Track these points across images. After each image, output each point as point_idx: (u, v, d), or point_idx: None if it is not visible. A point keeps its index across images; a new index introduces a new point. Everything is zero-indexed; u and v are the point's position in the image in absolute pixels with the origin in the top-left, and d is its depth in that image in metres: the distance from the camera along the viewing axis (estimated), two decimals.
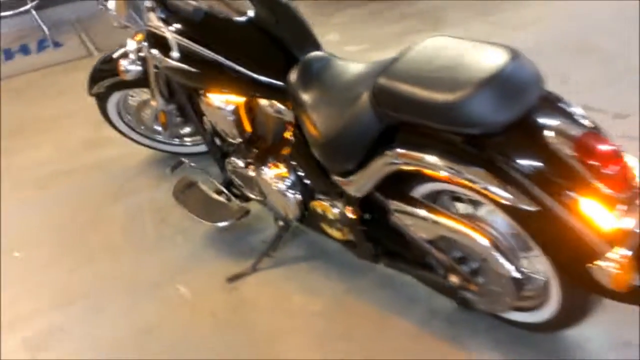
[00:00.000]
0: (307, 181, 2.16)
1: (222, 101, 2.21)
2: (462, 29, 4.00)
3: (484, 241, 1.69)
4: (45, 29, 4.76)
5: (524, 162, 1.48)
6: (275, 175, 2.20)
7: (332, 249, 2.37)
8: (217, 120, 2.28)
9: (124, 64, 2.36)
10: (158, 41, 2.19)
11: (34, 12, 4.83)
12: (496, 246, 1.69)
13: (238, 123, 2.23)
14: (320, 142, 1.88)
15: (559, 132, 1.47)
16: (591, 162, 1.42)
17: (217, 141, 2.49)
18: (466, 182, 1.59)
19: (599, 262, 1.37)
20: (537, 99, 1.54)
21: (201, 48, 2.09)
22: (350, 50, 3.94)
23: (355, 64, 2.00)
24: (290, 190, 2.17)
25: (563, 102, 1.58)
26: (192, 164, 2.67)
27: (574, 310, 1.76)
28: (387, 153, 1.72)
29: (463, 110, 1.49)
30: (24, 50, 4.77)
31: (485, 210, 1.82)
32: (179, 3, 2.12)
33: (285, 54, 2.09)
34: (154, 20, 2.15)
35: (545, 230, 1.53)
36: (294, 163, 2.16)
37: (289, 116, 2.10)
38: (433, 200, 1.89)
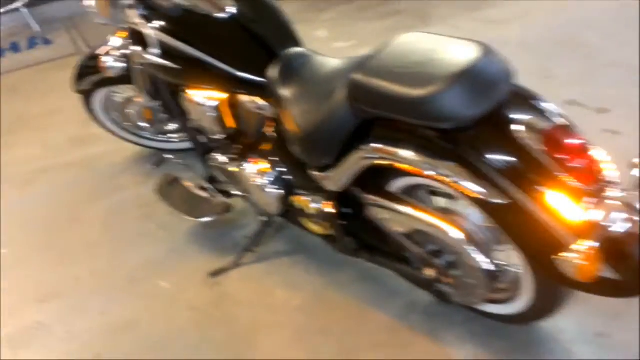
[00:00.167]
0: (288, 177, 2.17)
1: (203, 98, 2.22)
2: (450, 25, 4.02)
3: (457, 234, 1.71)
4: (36, 26, 4.78)
5: (493, 156, 1.50)
6: (256, 171, 2.21)
7: (314, 243, 2.38)
8: (199, 116, 2.30)
9: (106, 60, 2.37)
10: (139, 38, 2.20)
11: (24, 9, 4.83)
12: (469, 239, 1.71)
13: (219, 119, 2.25)
14: (298, 137, 1.90)
15: (528, 126, 1.49)
16: (559, 155, 1.44)
17: (201, 137, 2.51)
18: (438, 177, 1.60)
19: (564, 254, 1.39)
20: (508, 94, 1.56)
21: (181, 45, 2.11)
22: (339, 46, 3.96)
23: (334, 60, 2.01)
24: (270, 186, 2.19)
25: (534, 97, 1.59)
26: (177, 160, 2.68)
27: (546, 302, 1.78)
28: (363, 148, 1.74)
29: (434, 105, 1.51)
30: (14, 47, 4.79)
31: (461, 204, 1.83)
32: (159, 0, 2.14)
33: (265, 50, 2.10)
34: (134, 17, 2.16)
35: (515, 223, 1.55)
36: (274, 159, 2.18)
37: (269, 112, 2.11)
38: (410, 194, 1.91)
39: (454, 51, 1.58)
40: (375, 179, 1.87)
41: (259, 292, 2.33)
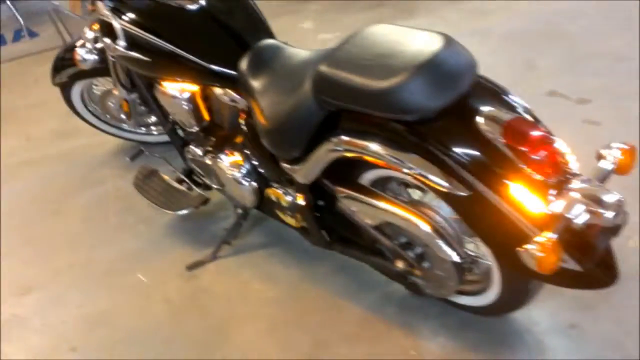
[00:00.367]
0: (261, 169, 2.16)
1: (176, 90, 2.21)
2: (436, 16, 4.00)
3: (425, 227, 1.70)
4: (21, 19, 4.75)
5: (456, 148, 1.49)
6: (230, 164, 2.21)
7: (291, 235, 2.36)
8: (173, 109, 2.29)
9: (80, 53, 2.36)
10: (110, 30, 2.19)
11: (8, 2, 4.81)
12: (438, 232, 1.71)
13: (194, 112, 2.24)
14: (267, 128, 1.89)
15: (489, 117, 1.48)
16: (520, 147, 1.43)
17: (178, 130, 2.50)
18: (404, 169, 1.59)
19: (526, 246, 1.38)
20: (471, 85, 1.55)
21: (151, 36, 2.09)
22: (324, 38, 3.94)
23: (305, 51, 2.00)
24: (245, 178, 2.19)
25: (497, 88, 1.58)
26: (153, 154, 2.68)
27: (514, 294, 1.78)
28: (330, 140, 1.73)
29: (396, 97, 1.50)
30: (0, 40, 4.77)
31: (432, 196, 1.83)
32: None
33: (237, 42, 2.09)
34: (102, 9, 2.14)
35: (479, 216, 1.55)
36: (247, 151, 2.17)
37: (242, 104, 2.10)
38: (383, 187, 1.90)
39: (417, 43, 1.57)
40: (347, 171, 1.86)
41: (234, 284, 2.32)
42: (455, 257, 1.70)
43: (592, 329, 1.93)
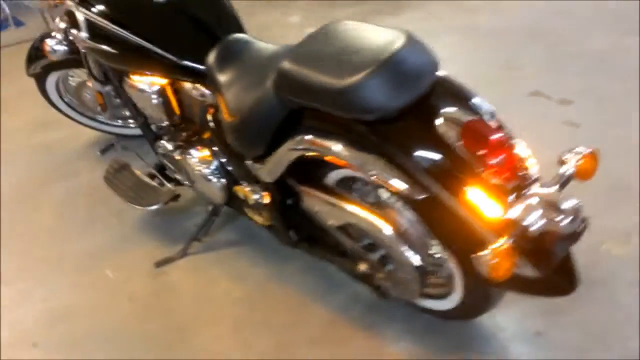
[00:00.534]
0: (229, 166, 2.13)
1: (145, 83, 2.17)
2: (423, 11, 3.95)
3: (388, 230, 1.67)
4: (7, 8, 4.70)
5: (414, 150, 1.45)
6: (199, 160, 2.17)
7: (262, 233, 2.32)
8: (142, 103, 2.25)
9: (49, 44, 2.32)
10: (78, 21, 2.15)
11: None
12: (400, 235, 1.67)
13: (163, 106, 2.20)
14: (230, 125, 1.85)
15: (448, 119, 1.44)
16: (478, 150, 1.39)
17: (150, 124, 2.46)
18: (363, 170, 1.56)
19: (479, 252, 1.34)
20: (432, 85, 1.51)
21: (118, 28, 2.05)
22: (310, 32, 3.88)
23: (273, 46, 1.96)
24: (214, 175, 2.15)
25: (461, 89, 1.54)
26: (125, 147, 2.64)
27: (477, 298, 1.75)
28: (292, 138, 1.69)
29: (355, 96, 1.46)
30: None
31: None
32: None
33: (206, 36, 2.05)
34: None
35: (438, 220, 1.52)
36: (215, 148, 2.13)
37: (211, 99, 2.06)
38: (349, 186, 1.86)
39: (378, 41, 1.53)
40: (312, 170, 1.83)
41: (202, 282, 2.29)
42: (417, 261, 1.67)
43: (557, 337, 1.89)
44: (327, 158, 1.65)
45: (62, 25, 2.31)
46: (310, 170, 1.83)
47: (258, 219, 2.13)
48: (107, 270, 2.38)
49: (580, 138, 2.62)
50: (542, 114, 2.82)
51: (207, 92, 2.06)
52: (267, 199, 1.97)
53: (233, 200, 2.20)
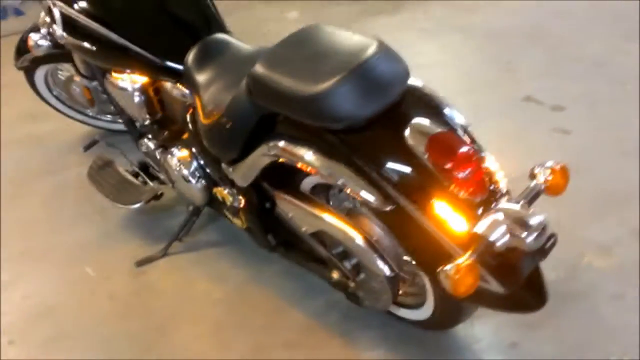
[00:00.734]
0: (207, 168, 2.11)
1: (125, 81, 2.16)
2: (421, 11, 3.91)
3: (359, 239, 1.64)
4: None
5: (380, 161, 1.43)
6: (179, 160, 2.15)
7: (243, 234, 2.31)
8: (122, 100, 2.24)
9: (33, 38, 2.31)
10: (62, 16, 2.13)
11: None
12: (370, 244, 1.64)
13: (144, 104, 2.19)
14: (204, 126, 1.83)
15: (415, 130, 1.41)
16: (445, 163, 1.36)
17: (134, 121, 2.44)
18: (332, 179, 1.54)
19: (443, 267, 1.32)
20: (403, 94, 1.48)
21: (97, 25, 2.04)
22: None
23: (252, 48, 1.94)
24: (193, 176, 2.13)
25: (433, 99, 1.51)
26: (109, 144, 2.62)
27: (448, 310, 1.72)
28: (264, 144, 1.68)
29: (322, 104, 1.44)
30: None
31: None
32: None
33: (187, 35, 2.03)
34: None
35: (404, 232, 1.49)
36: (194, 149, 2.11)
37: (191, 100, 2.04)
38: (326, 193, 1.84)
39: (349, 48, 1.50)
40: (288, 175, 1.80)
41: (181, 283, 2.28)
42: (388, 271, 1.65)
43: (533, 349, 1.87)
44: (299, 165, 1.63)
45: (47, 19, 2.29)
46: (286, 176, 1.81)
47: (237, 221, 2.12)
48: (87, 268, 2.37)
49: (569, 145, 2.59)
50: (533, 119, 2.78)
51: (187, 92, 2.04)
52: (242, 203, 1.96)
53: (213, 202, 2.18)
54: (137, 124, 2.40)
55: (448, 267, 1.31)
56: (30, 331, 2.16)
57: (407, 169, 1.41)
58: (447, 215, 1.38)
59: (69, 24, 2.09)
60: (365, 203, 1.51)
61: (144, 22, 2.06)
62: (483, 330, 1.93)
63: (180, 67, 2.00)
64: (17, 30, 4.38)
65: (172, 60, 2.02)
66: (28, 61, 2.71)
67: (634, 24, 3.39)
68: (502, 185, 1.42)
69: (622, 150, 2.53)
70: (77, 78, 2.58)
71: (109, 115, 2.98)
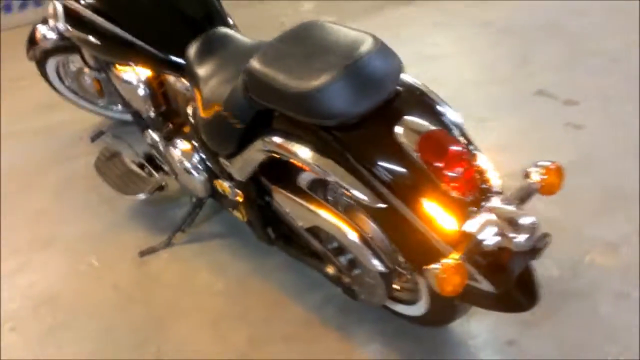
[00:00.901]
0: (207, 161, 2.11)
1: (129, 74, 2.17)
2: (434, 7, 3.85)
3: (353, 235, 1.64)
4: None
5: (372, 159, 1.42)
6: (182, 152, 2.16)
7: (246, 227, 2.33)
8: (126, 93, 2.25)
9: (41, 31, 2.32)
10: (67, 9, 2.14)
11: None
12: (364, 241, 1.63)
13: (147, 97, 2.20)
14: (202, 120, 1.84)
15: (407, 128, 1.40)
16: (436, 161, 1.35)
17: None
18: (324, 176, 1.53)
19: (431, 265, 1.31)
20: (396, 91, 1.47)
21: (100, 19, 2.04)
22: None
23: (252, 42, 1.94)
24: (195, 169, 2.14)
25: (428, 96, 1.49)
26: (115, 135, 2.64)
27: (442, 307, 1.71)
28: (260, 139, 1.67)
29: (315, 101, 1.43)
30: (7, 8, 4.75)
31: None
32: None
33: (189, 29, 2.03)
34: None
35: (395, 230, 1.48)
36: (195, 142, 2.12)
37: (191, 93, 2.05)
38: (323, 188, 1.84)
39: (344, 45, 1.49)
40: (285, 170, 1.80)
41: (184, 274, 2.29)
42: (381, 268, 1.64)
43: (530, 347, 1.85)
44: (293, 161, 1.62)
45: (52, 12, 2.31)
46: (284, 171, 1.80)
47: (237, 214, 2.12)
48: (92, 258, 2.40)
49: (580, 141, 2.55)
50: (546, 114, 2.73)
51: (189, 85, 2.04)
52: (239, 196, 1.96)
53: (216, 194, 2.19)
54: (143, 116, 2.41)
55: (435, 265, 1.29)
56: (32, 318, 2.19)
57: (398, 167, 1.39)
58: (437, 214, 1.36)
59: (73, 17, 2.10)
60: (356, 200, 1.49)
61: (147, 16, 2.06)
62: (480, 327, 1.92)
63: (183, 60, 2.00)
64: (36, 20, 4.46)
65: (175, 54, 2.02)
66: (38, 53, 2.73)
67: None
68: (495, 184, 1.40)
69: (633, 146, 2.48)
70: (87, 70, 2.60)
71: (119, 106, 2.99)
